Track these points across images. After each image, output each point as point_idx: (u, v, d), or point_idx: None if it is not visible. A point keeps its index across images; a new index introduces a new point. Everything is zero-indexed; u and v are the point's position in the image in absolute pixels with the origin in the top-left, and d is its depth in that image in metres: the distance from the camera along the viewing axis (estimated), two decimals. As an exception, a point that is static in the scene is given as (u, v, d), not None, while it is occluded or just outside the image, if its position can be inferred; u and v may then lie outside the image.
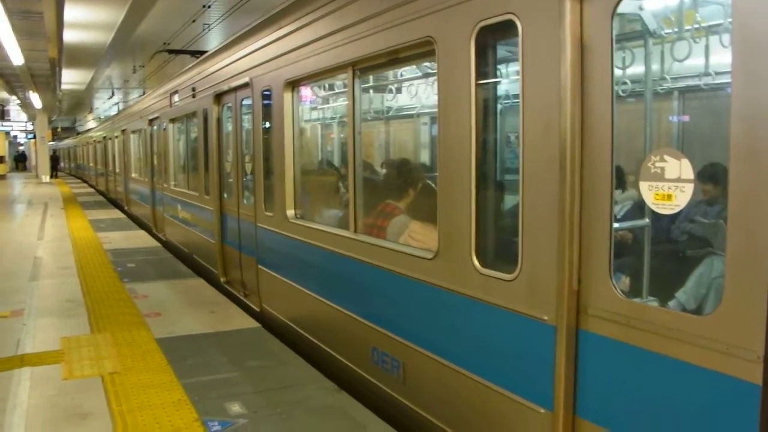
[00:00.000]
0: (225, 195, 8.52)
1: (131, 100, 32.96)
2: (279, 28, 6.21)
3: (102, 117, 45.00)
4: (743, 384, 2.35)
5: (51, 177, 40.43)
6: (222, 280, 8.57)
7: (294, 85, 6.11)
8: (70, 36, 19.43)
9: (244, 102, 7.55)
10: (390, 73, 6.43)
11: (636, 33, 3.54)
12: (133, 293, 8.17)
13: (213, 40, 18.29)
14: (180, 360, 5.57)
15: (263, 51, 6.65)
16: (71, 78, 30.29)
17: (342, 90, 6.46)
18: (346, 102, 5.29)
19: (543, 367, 3.11)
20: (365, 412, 4.50)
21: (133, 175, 17.48)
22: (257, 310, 7.13)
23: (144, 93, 25.20)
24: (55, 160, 46.93)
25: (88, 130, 44.19)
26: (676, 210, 2.65)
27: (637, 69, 3.78)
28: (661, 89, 4.79)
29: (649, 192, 2.70)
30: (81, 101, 44.75)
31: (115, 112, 33.41)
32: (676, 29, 3.90)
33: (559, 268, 3.00)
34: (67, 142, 60.14)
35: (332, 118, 7.79)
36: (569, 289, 2.96)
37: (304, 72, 5.72)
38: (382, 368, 4.60)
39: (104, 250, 11.65)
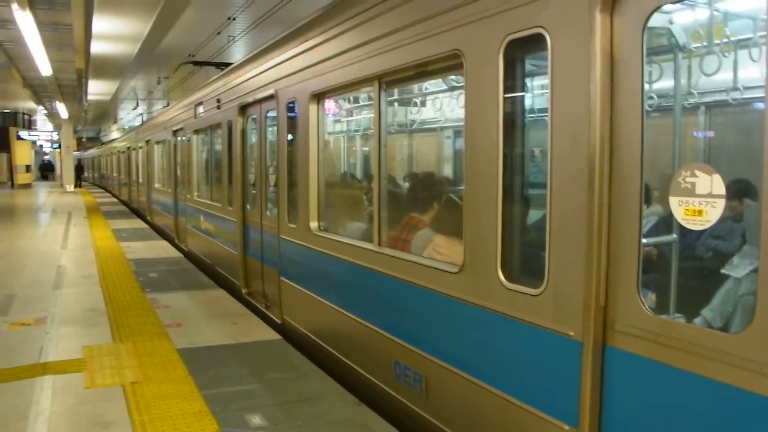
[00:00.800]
0: (248, 206, 8.56)
1: (155, 111, 33.32)
2: (305, 41, 6.22)
3: (126, 127, 45.54)
4: None
5: (75, 186, 40.92)
6: (244, 291, 8.57)
7: (319, 97, 6.11)
8: (97, 47, 19.73)
9: (269, 114, 7.57)
10: (415, 87, 6.41)
11: (666, 47, 3.46)
12: (155, 303, 8.20)
13: (238, 53, 18.46)
14: (201, 371, 5.57)
15: (289, 63, 6.67)
16: (97, 89, 30.71)
17: (368, 102, 6.46)
18: (372, 115, 5.25)
19: (568, 384, 3.06)
20: (386, 426, 4.45)
21: (157, 185, 17.62)
22: (278, 321, 7.13)
23: (168, 104, 25.46)
24: (79, 169, 47.51)
25: (113, 140, 44.68)
26: (707, 225, 2.60)
27: (665, 83, 3.71)
28: (688, 104, 4.72)
29: (679, 207, 2.65)
30: (106, 111, 45.35)
31: (138, 123, 33.78)
32: (705, 43, 3.85)
33: (586, 283, 2.95)
34: (92, 151, 60.87)
35: (356, 131, 7.79)
36: (596, 305, 2.92)
37: (329, 84, 5.73)
38: (404, 382, 4.54)
39: (127, 260, 11.73)
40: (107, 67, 24.21)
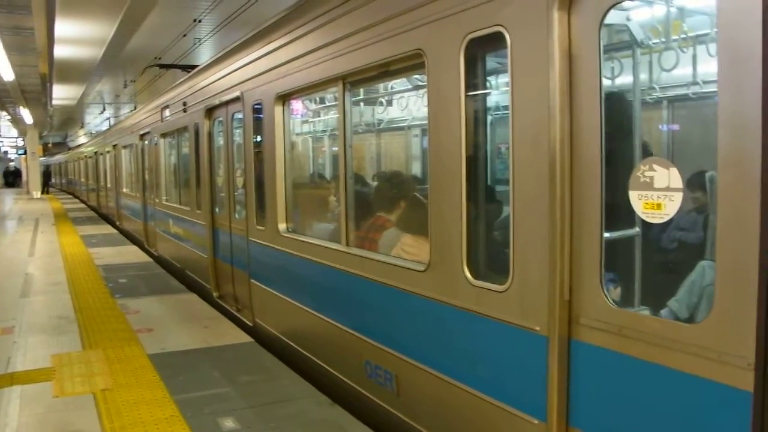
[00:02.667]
0: (217, 209, 8.55)
1: (122, 115, 32.94)
2: (269, 42, 6.21)
3: (93, 132, 44.93)
4: (735, 391, 2.34)
5: (42, 193, 40.25)
6: (215, 294, 8.53)
7: (285, 98, 6.11)
8: (60, 51, 19.42)
9: (235, 116, 7.56)
10: (380, 86, 6.42)
11: (624, 43, 3.54)
12: (125, 309, 8.12)
13: (204, 55, 18.31)
14: (172, 376, 5.53)
15: (254, 65, 6.67)
16: (62, 93, 30.23)
17: (333, 103, 6.47)
18: (337, 115, 5.30)
19: (536, 378, 3.11)
20: (360, 427, 4.47)
21: (125, 190, 17.52)
22: (250, 324, 7.12)
23: (135, 107, 25.18)
24: (46, 175, 46.74)
25: (80, 145, 44.15)
26: (666, 219, 2.66)
27: (625, 78, 3.71)
28: (650, 98, 4.79)
29: (638, 201, 2.71)
30: (72, 116, 44.66)
31: (106, 127, 33.37)
32: (663, 39, 3.92)
33: (550, 278, 3.00)
34: (59, 157, 59.97)
35: (323, 131, 7.81)
36: (561, 300, 2.96)
37: (294, 86, 5.74)
38: (375, 381, 4.56)
39: (96, 266, 11.59)
40: (72, 72, 23.85)
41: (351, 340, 4.87)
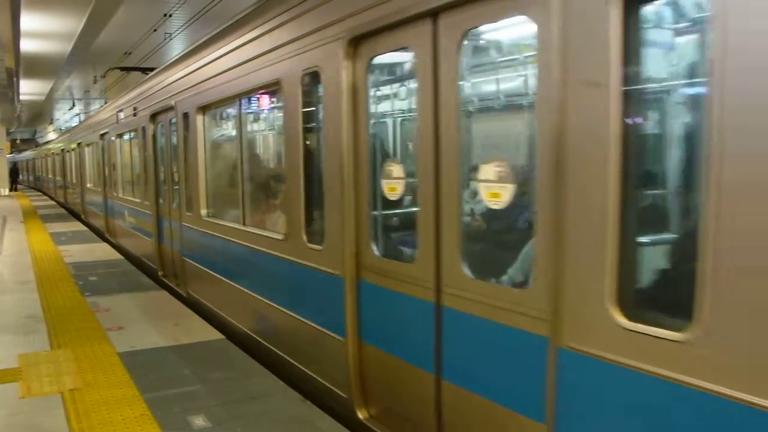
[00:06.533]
0: (160, 201, 9.92)
1: (92, 111, 32.52)
2: (193, 63, 7.72)
3: (62, 128, 44.29)
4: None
5: (10, 190, 39.59)
6: (160, 273, 9.90)
7: (204, 109, 7.62)
8: (27, 45, 19.13)
9: (171, 122, 8.90)
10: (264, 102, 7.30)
11: (393, 78, 4.64)
12: (95, 307, 8.03)
13: (174, 50, 18.12)
14: (143, 374, 5.49)
15: (183, 80, 8.18)
16: (30, 88, 29.79)
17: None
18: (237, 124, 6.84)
19: (340, 306, 4.44)
20: (331, 423, 4.48)
21: (89, 185, 18.82)
22: (185, 295, 8.46)
23: (106, 102, 24.90)
24: (14, 172, 45.95)
25: (47, 142, 43.67)
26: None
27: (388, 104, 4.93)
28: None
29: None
30: (41, 112, 44.02)
31: (75, 124, 32.95)
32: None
33: (345, 240, 4.36)
34: (27, 154, 59.05)
35: (231, 137, 8.55)
36: (350, 253, 4.34)
37: (209, 100, 7.28)
38: (260, 326, 6.07)
39: (65, 264, 11.44)
40: (40, 66, 23.51)
41: (246, 297, 6.30)
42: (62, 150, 26.82)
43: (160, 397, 4.97)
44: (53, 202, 30.28)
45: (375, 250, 4.20)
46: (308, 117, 5.00)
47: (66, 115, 42.35)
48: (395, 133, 5.04)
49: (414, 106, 3.79)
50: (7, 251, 13.34)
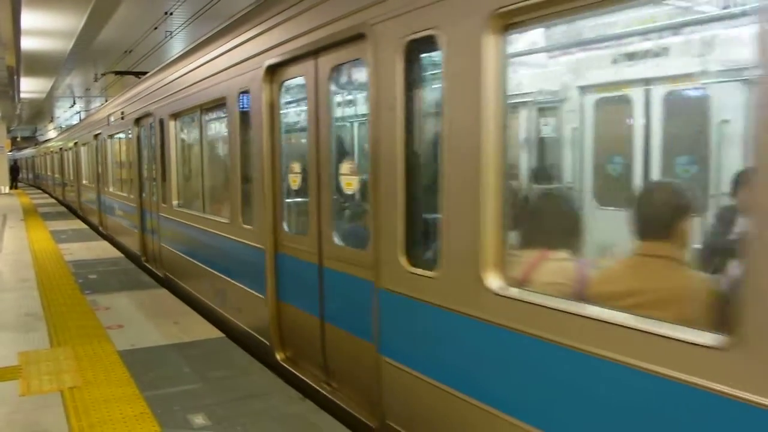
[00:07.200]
0: (144, 195, 11.16)
1: (92, 109, 32.50)
2: (167, 77, 9.10)
3: (62, 126, 44.28)
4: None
5: (11, 188, 39.58)
6: (143, 259, 11.26)
7: (175, 117, 9.04)
8: (28, 43, 19.12)
9: (151, 126, 10.20)
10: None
11: (296, 98, 5.64)
12: (95, 305, 8.03)
13: (175, 48, 18.11)
14: (143, 372, 5.49)
15: (159, 91, 9.60)
16: (31, 86, 29.78)
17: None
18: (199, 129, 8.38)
19: (262, 272, 5.71)
20: (330, 421, 4.48)
21: (84, 182, 20.21)
22: (162, 277, 9.80)
23: (106, 101, 24.90)
24: (15, 170, 45.93)
25: (47, 140, 43.82)
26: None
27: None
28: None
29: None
30: (41, 110, 44.00)
31: (75, 122, 32.99)
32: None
33: (266, 222, 5.62)
34: (28, 151, 59.03)
35: (195, 140, 9.63)
36: (269, 230, 5.61)
37: (179, 109, 8.69)
38: (213, 294, 7.35)
39: (65, 262, 11.45)
40: (41, 64, 23.50)
41: (208, 274, 7.52)
42: (60, 149, 27.69)
43: (159, 395, 4.98)
44: (53, 200, 30.26)
45: (286, 228, 5.50)
46: (243, 126, 6.27)
47: (67, 113, 42.33)
48: (298, 140, 5.73)
49: (305, 118, 5.04)
50: (8, 249, 13.34)
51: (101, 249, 13.26)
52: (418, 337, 3.72)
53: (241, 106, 6.24)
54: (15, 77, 23.66)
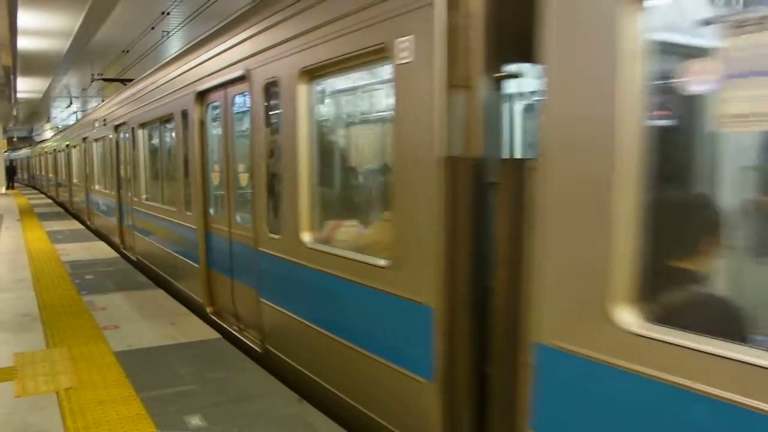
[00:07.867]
0: (122, 191, 12.63)
1: (89, 109, 32.43)
2: (136, 92, 10.84)
3: (59, 127, 44.22)
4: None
5: (7, 188, 39.49)
6: (121, 247, 12.80)
7: (143, 126, 10.63)
8: (24, 43, 19.07)
9: (126, 133, 11.85)
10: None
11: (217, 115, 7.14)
12: (91, 306, 8.00)
13: (173, 47, 18.08)
14: (139, 373, 5.46)
15: (132, 103, 11.22)
16: (27, 86, 29.71)
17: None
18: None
19: (197, 247, 7.46)
20: (327, 422, 4.46)
21: (75, 181, 21.45)
22: (135, 260, 11.34)
23: (102, 101, 24.84)
24: (11, 170, 45.82)
25: (43, 141, 43.99)
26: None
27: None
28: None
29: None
30: (38, 110, 43.92)
31: (72, 122, 33.01)
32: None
33: (198, 209, 7.35)
34: (24, 152, 58.94)
35: (156, 146, 11.08)
36: (200, 213, 7.35)
37: (145, 120, 10.27)
38: (167, 268, 9.16)
39: (62, 262, 11.41)
40: (37, 64, 23.45)
41: (169, 257, 8.99)
42: (54, 150, 28.65)
43: (156, 396, 4.95)
44: (49, 200, 30.22)
45: (211, 212, 7.28)
46: (185, 137, 7.90)
47: (63, 113, 42.25)
48: (218, 148, 7.17)
49: (221, 132, 6.76)
50: (4, 249, 13.30)
51: (98, 249, 13.22)
52: (275, 281, 5.48)
53: (184, 121, 7.87)
54: (11, 77, 23.63)
